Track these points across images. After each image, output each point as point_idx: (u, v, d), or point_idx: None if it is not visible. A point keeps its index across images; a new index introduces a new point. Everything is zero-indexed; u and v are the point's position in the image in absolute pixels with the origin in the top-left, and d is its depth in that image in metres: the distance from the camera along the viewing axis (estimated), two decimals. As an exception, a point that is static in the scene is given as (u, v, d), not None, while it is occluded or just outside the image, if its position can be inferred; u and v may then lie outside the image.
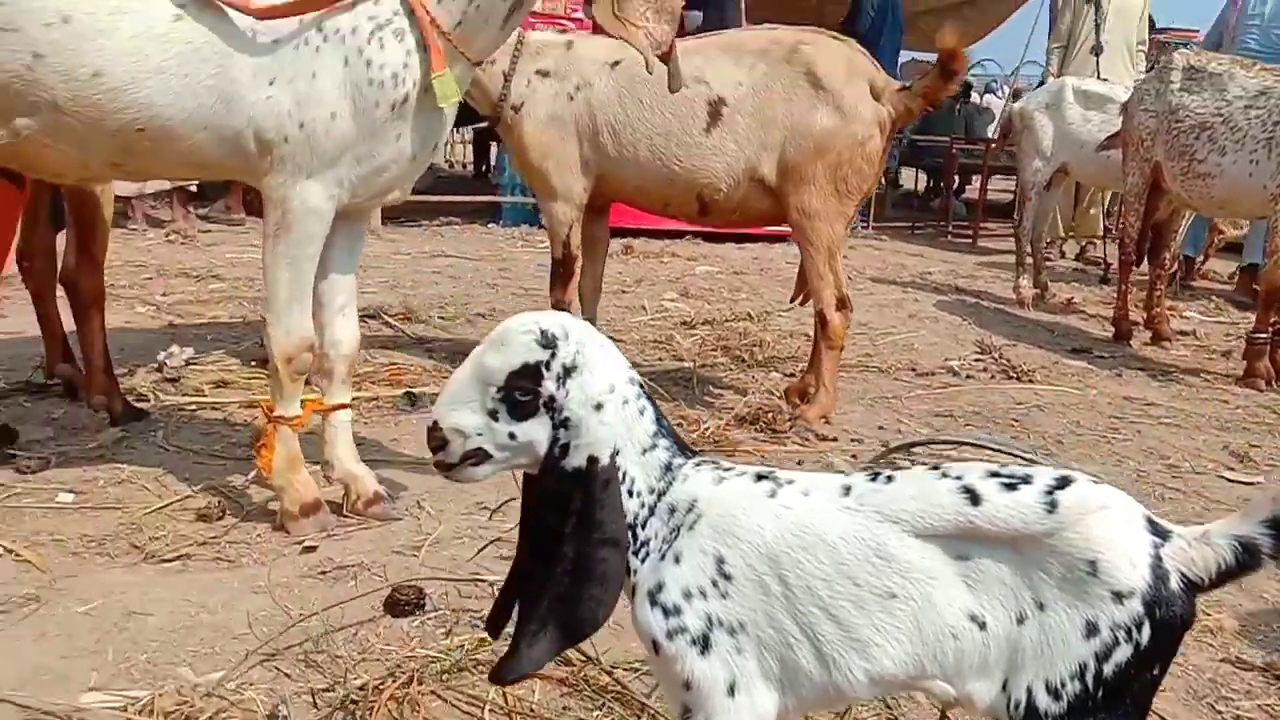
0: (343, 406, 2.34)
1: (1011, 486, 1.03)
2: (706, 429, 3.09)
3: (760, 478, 1.11)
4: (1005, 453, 2.86)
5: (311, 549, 2.19)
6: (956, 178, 11.07)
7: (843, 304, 3.17)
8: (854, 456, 2.97)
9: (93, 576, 2.03)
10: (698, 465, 1.13)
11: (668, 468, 1.11)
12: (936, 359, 4.30)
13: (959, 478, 1.05)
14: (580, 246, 3.36)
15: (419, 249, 6.13)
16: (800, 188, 3.03)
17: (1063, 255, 7.76)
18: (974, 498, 1.03)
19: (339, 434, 2.36)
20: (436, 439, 1.11)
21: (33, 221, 2.72)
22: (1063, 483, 1.03)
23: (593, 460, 1.07)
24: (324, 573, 2.10)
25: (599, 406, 1.08)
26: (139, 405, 2.93)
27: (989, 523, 1.02)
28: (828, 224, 3.06)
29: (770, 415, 3.22)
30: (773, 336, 4.37)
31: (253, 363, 3.46)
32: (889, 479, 1.08)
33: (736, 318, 4.81)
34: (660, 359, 4.00)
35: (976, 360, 4.30)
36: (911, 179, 12.30)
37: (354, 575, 2.09)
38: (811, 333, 3.40)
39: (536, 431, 1.09)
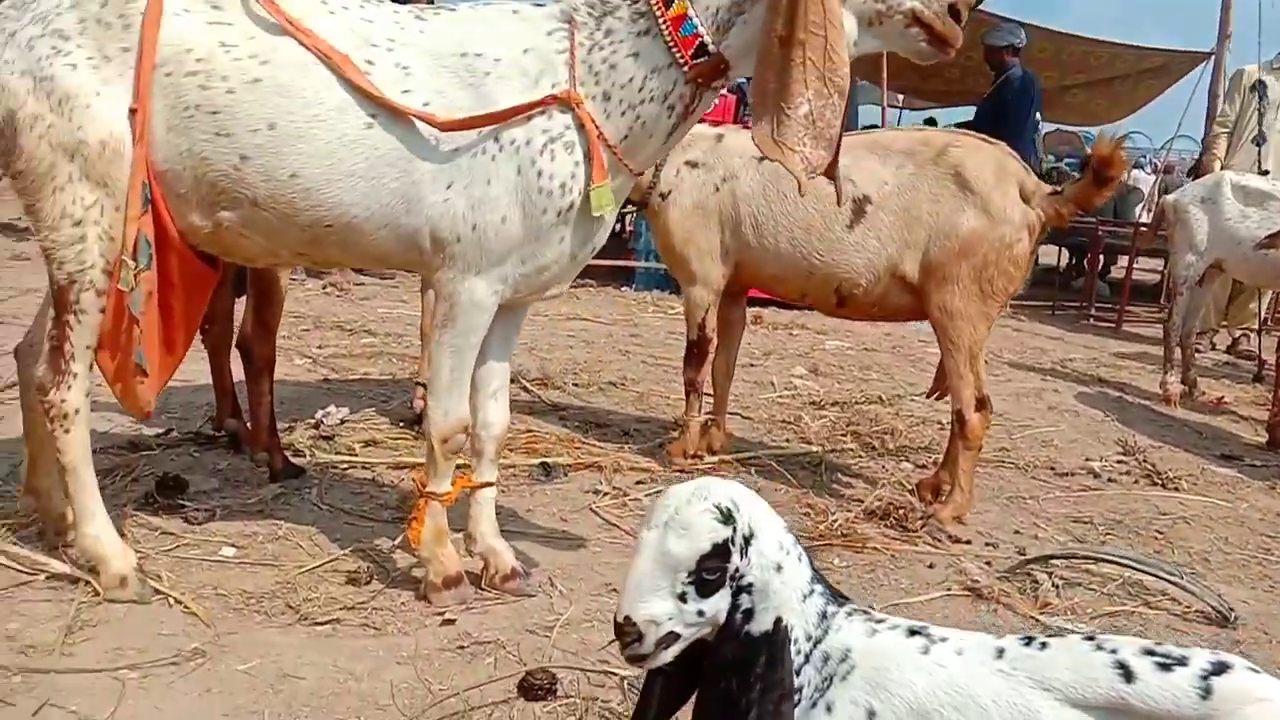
0: (488, 484, 2.45)
1: (1167, 667, 1.03)
2: (835, 521, 3.09)
3: (913, 633, 1.14)
4: (1147, 572, 2.77)
5: (451, 621, 2.29)
6: (1101, 257, 10.76)
7: (982, 404, 3.14)
8: (988, 563, 2.91)
9: (251, 634, 2.16)
10: (850, 614, 1.16)
11: (823, 615, 1.15)
12: (1076, 458, 4.17)
13: (1114, 651, 1.06)
14: (715, 329, 3.43)
15: (555, 311, 6.31)
16: (943, 287, 3.03)
17: (1213, 347, 7.43)
18: (1128, 674, 1.04)
19: (483, 510, 2.46)
20: (630, 634, 1.13)
21: (216, 288, 2.95)
22: (1220, 668, 1.02)
23: (778, 621, 1.11)
24: (462, 647, 2.19)
25: (779, 568, 1.13)
26: (296, 462, 3.11)
27: (1141, 701, 1.03)
28: (970, 324, 3.05)
29: (901, 511, 3.18)
30: (905, 424, 4.32)
31: (400, 423, 3.64)
32: (1043, 645, 1.09)
33: (867, 400, 4.78)
34: (788, 440, 4.01)
35: (1119, 462, 4.16)
36: (1053, 254, 11.99)
37: (490, 653, 2.17)
38: (945, 421, 3.37)
39: (720, 603, 1.14)
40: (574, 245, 2.20)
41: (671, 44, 2.05)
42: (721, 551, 1.11)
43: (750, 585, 1.12)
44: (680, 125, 2.16)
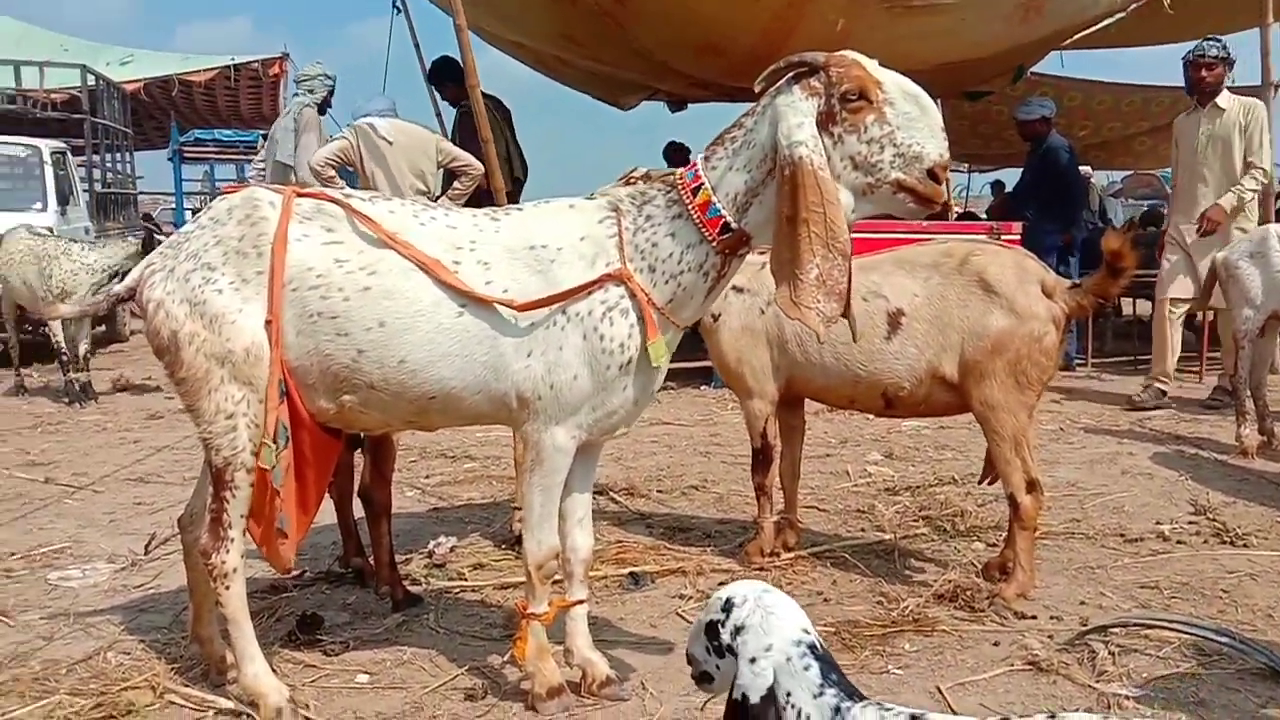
0: (580, 602, 2.79)
1: None
2: (906, 607, 3.31)
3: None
4: (1203, 637, 2.94)
5: (556, 728, 2.61)
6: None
7: (1032, 487, 3.36)
8: (1050, 636, 3.11)
9: (390, 751, 2.52)
10: (864, 707, 1.45)
11: (836, 710, 1.45)
12: (1147, 522, 4.30)
13: None
14: (778, 435, 3.75)
15: (639, 418, 6.67)
16: (981, 383, 3.30)
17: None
18: None
19: (578, 625, 2.80)
20: (689, 659, 1.63)
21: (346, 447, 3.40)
22: None
23: (745, 698, 1.48)
24: (568, 751, 2.51)
25: (753, 660, 1.49)
26: (414, 591, 3.50)
27: None
28: (1010, 414, 3.30)
29: (969, 592, 3.38)
30: (974, 504, 4.52)
31: (503, 544, 4.02)
32: None
33: (940, 482, 4.99)
34: (863, 530, 4.26)
35: (1190, 522, 4.27)
36: (1136, 305, 11.92)
37: (593, 755, 2.48)
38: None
39: (729, 667, 1.53)
40: (636, 392, 2.57)
41: (700, 225, 2.46)
42: (711, 629, 1.56)
43: (754, 660, 1.49)
44: (716, 286, 2.55)
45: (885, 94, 2.31)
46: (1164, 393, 7.15)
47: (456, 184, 6.40)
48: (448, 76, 7.68)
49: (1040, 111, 8.42)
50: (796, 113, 2.34)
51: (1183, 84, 7.15)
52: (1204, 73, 6.83)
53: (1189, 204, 7.00)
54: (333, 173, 6.20)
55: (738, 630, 1.51)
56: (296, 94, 7.50)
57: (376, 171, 6.21)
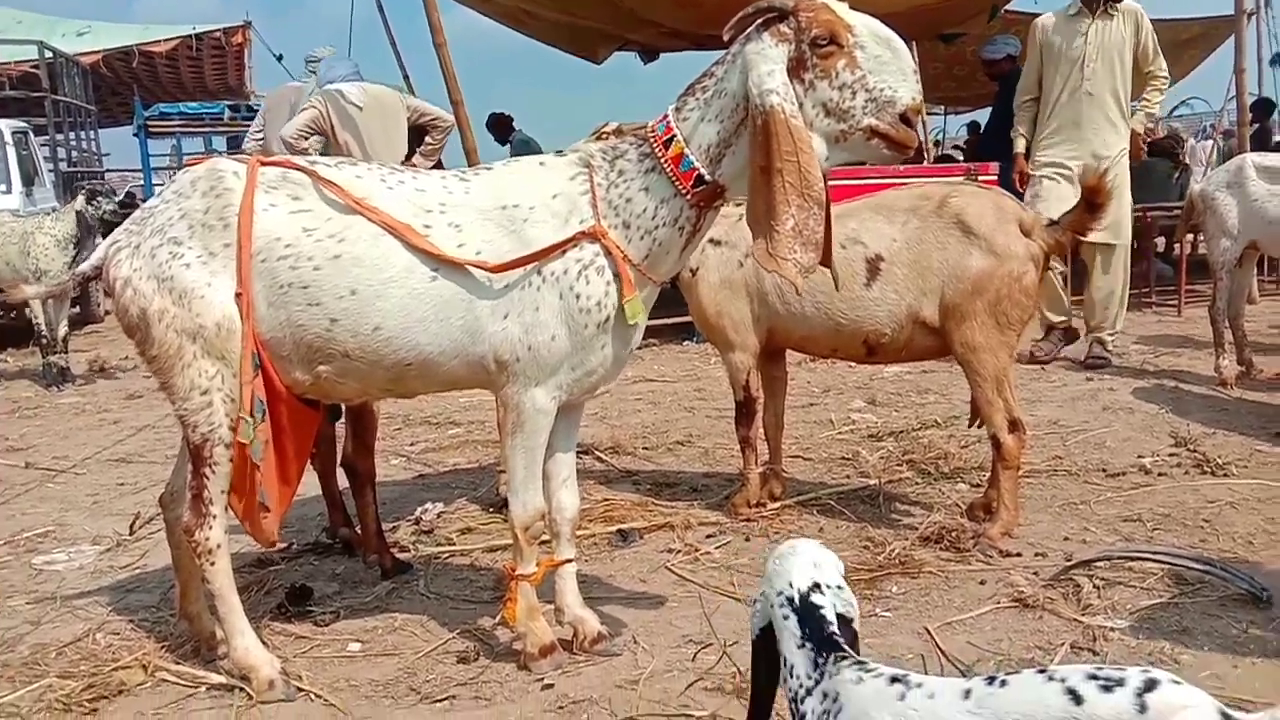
0: (568, 561, 2.79)
1: (1108, 688, 1.25)
2: (892, 550, 3.33)
3: (894, 680, 1.40)
4: (1185, 567, 2.98)
5: (550, 686, 2.62)
6: (1161, 240, 10.72)
7: (1015, 426, 3.38)
8: (1035, 573, 3.14)
9: (383, 717, 2.52)
10: (843, 663, 1.45)
11: (815, 664, 1.45)
12: (1129, 456, 4.34)
13: (1064, 680, 1.27)
14: (760, 387, 3.75)
15: (624, 375, 6.65)
16: (962, 325, 3.30)
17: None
18: (1077, 698, 1.23)
19: (567, 583, 2.80)
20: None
21: (326, 418, 3.38)
22: (1150, 685, 1.22)
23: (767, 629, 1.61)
24: (561, 708, 2.51)
25: (754, 603, 1.62)
26: (403, 558, 3.50)
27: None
28: (992, 355, 3.30)
29: (954, 534, 3.40)
30: (957, 446, 4.54)
31: (490, 508, 4.02)
32: (1004, 683, 1.31)
33: (924, 425, 5.01)
34: (848, 477, 4.27)
35: (1171, 455, 4.31)
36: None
37: (585, 710, 2.49)
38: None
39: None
40: (615, 350, 2.55)
41: (674, 178, 2.42)
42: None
43: (755, 602, 1.63)
44: (691, 240, 2.51)
45: (856, 38, 2.27)
46: (1101, 343, 6.37)
47: (428, 139, 6.32)
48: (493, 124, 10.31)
49: (1005, 50, 8.33)
50: (766, 60, 2.31)
51: (1159, 17, 6.84)
52: None
53: (1072, 127, 6.10)
54: (306, 144, 6.12)
55: (770, 579, 1.60)
56: (308, 74, 7.37)
57: (349, 138, 6.12)
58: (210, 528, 2.54)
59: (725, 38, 2.41)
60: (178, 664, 2.81)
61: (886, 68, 2.27)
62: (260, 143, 6.94)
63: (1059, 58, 6.13)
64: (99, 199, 7.27)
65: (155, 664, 2.79)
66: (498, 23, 10.89)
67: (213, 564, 2.57)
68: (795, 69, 2.30)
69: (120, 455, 5.28)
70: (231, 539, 2.69)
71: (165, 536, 2.90)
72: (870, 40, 2.28)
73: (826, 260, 2.37)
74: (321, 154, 6.46)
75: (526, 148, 9.91)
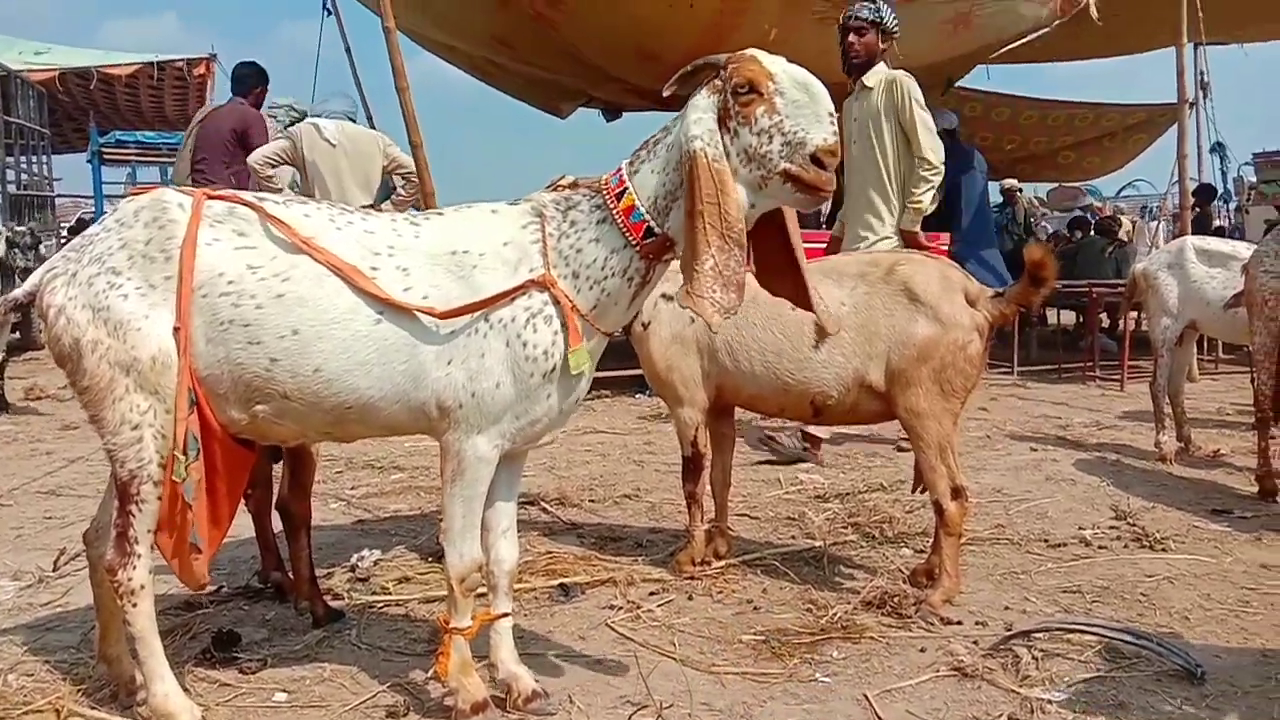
0: (504, 615, 2.73)
1: None
2: (835, 614, 3.31)
3: None
4: (1123, 640, 2.99)
5: (481, 745, 2.55)
6: (1105, 317, 10.98)
7: (958, 493, 3.40)
8: (975, 642, 3.13)
9: (306, 772, 2.43)
10: None
11: None
12: (1070, 528, 4.38)
13: None
14: (709, 443, 3.73)
15: (574, 426, 6.62)
16: (907, 391, 3.32)
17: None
18: None
19: (502, 639, 2.74)
20: None
21: (256, 458, 3.29)
22: None
23: None
24: (492, 767, 2.45)
25: None
26: (336, 606, 3.40)
27: None
28: (936, 421, 3.32)
29: (897, 599, 3.40)
30: (902, 511, 4.55)
31: (429, 558, 3.93)
32: None
33: (869, 489, 5.03)
34: (793, 537, 4.26)
35: (1111, 527, 4.36)
36: (1062, 316, 12.21)
37: (517, 771, 2.43)
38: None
39: None
40: (560, 400, 2.53)
41: (625, 229, 2.43)
42: None
43: None
44: (640, 292, 2.51)
45: (776, 84, 2.31)
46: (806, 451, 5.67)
47: (400, 190, 6.35)
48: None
49: (942, 124, 8.56)
50: (696, 110, 2.37)
51: (1107, 101, 7.09)
52: (851, 38, 5.46)
53: (854, 209, 5.69)
54: (271, 171, 6.14)
55: None
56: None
57: (320, 173, 6.14)
58: (134, 567, 2.45)
59: (665, 94, 2.48)
60: (93, 709, 2.69)
61: (802, 111, 2.30)
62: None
63: (845, 136, 5.39)
64: (15, 250, 7.17)
65: (69, 709, 2.67)
66: (463, 71, 10.97)
67: (135, 605, 2.47)
68: (723, 118, 2.35)
69: (50, 488, 5.12)
70: (159, 580, 2.60)
71: (88, 575, 2.80)
72: (789, 86, 2.31)
73: (805, 305, 2.41)
74: (292, 185, 6.47)
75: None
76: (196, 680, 2.88)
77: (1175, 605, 3.46)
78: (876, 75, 5.48)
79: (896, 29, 5.49)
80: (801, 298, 2.65)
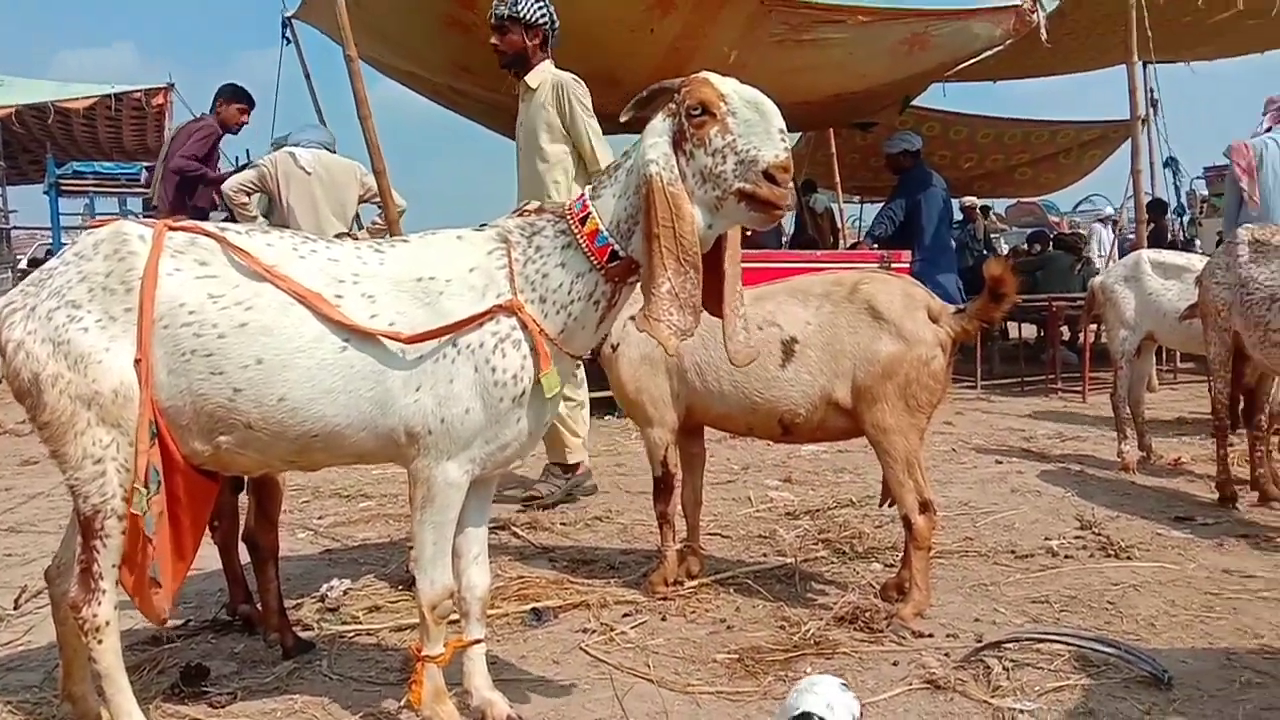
0: (477, 641, 2.72)
1: None
2: (807, 630, 3.32)
3: None
4: (1091, 649, 3.03)
5: (455, 773, 2.53)
6: (1065, 330, 11.12)
7: (926, 507, 3.43)
8: (947, 654, 3.15)
9: (278, 807, 2.40)
10: None
11: None
12: (1036, 538, 4.43)
13: None
14: (679, 463, 3.74)
15: (541, 449, 6.60)
16: (873, 407, 3.35)
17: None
18: None
19: (475, 665, 2.72)
20: None
21: (220, 489, 3.26)
22: None
23: None
24: (467, 796, 2.43)
25: None
26: (305, 637, 3.36)
27: None
28: (902, 436, 3.36)
29: (868, 614, 3.41)
30: (872, 526, 4.58)
31: (400, 585, 3.90)
32: None
33: (839, 505, 5.06)
34: (765, 555, 4.27)
35: (1076, 537, 4.42)
36: (1022, 329, 12.37)
37: (493, 798, 2.40)
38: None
39: None
40: (530, 424, 2.53)
41: (589, 253, 2.44)
42: None
43: None
44: (607, 315, 2.53)
45: (728, 105, 2.33)
46: (569, 481, 5.33)
47: (376, 219, 6.38)
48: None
49: (902, 145, 8.71)
50: (653, 134, 2.40)
51: (1062, 119, 7.22)
52: (494, 39, 4.97)
53: None
54: (245, 198, 6.13)
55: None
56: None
57: (294, 201, 6.13)
58: (99, 603, 2.41)
59: (622, 119, 2.50)
60: (57, 750, 2.65)
61: (753, 129, 2.32)
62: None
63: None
64: None
65: (31, 750, 2.62)
66: (427, 99, 10.96)
67: (100, 642, 2.43)
68: (678, 141, 2.37)
69: (10, 524, 5.02)
70: (124, 615, 2.56)
71: (51, 612, 2.75)
72: (740, 105, 2.33)
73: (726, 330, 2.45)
74: (265, 213, 6.46)
75: None
76: (165, 716, 2.84)
77: (1141, 612, 3.51)
78: (539, 75, 5.02)
79: (544, 19, 4.94)
80: (727, 324, 2.58)
